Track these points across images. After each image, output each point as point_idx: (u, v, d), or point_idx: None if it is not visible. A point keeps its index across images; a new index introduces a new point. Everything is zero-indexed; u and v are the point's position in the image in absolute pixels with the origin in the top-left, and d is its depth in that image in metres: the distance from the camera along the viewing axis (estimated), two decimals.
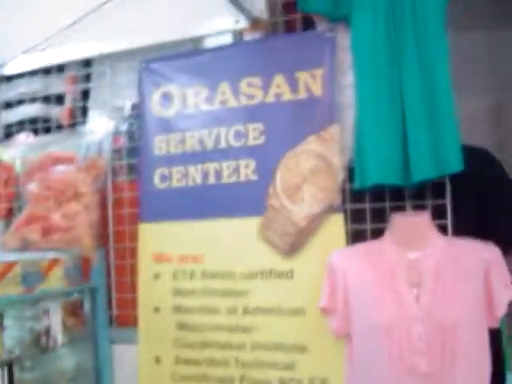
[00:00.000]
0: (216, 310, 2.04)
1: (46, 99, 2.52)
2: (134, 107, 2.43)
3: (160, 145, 2.18)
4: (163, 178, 2.16)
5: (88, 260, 2.13)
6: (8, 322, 1.84)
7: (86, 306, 2.17)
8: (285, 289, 1.95)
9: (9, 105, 2.59)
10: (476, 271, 1.61)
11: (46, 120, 2.51)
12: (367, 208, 1.91)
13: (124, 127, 2.44)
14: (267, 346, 1.96)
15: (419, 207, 1.83)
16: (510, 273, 1.63)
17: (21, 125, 2.54)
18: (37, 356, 1.93)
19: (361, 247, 1.80)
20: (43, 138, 2.45)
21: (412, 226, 1.71)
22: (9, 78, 2.58)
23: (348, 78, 1.95)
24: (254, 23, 2.08)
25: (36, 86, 2.53)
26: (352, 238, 1.91)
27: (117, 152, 2.36)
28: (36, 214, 2.12)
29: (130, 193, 2.28)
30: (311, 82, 1.98)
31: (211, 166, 2.09)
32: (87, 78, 2.49)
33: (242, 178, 2.04)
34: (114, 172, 2.33)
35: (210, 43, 2.21)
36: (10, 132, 2.58)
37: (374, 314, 1.64)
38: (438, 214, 1.80)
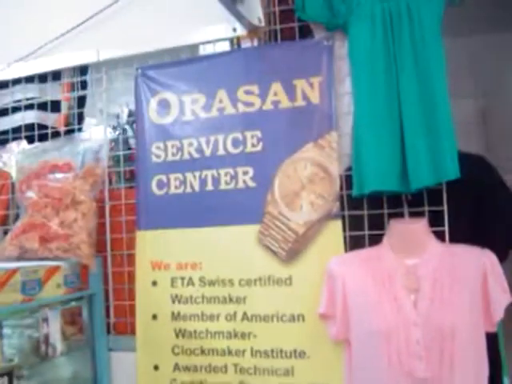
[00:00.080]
0: (215, 317, 2.04)
1: (42, 106, 2.50)
2: (131, 114, 2.44)
3: (157, 152, 2.18)
4: (161, 185, 2.16)
5: (86, 267, 2.12)
6: (7, 330, 1.83)
7: (85, 313, 2.16)
8: (284, 295, 1.95)
9: (4, 112, 2.57)
10: (473, 277, 1.63)
11: (42, 127, 2.49)
12: (365, 215, 1.92)
13: (121, 134, 2.44)
14: (266, 352, 1.96)
15: (417, 214, 1.85)
16: (507, 278, 1.65)
17: (16, 132, 2.52)
18: (36, 364, 1.92)
19: (359, 254, 1.81)
20: (39, 145, 2.44)
21: (410, 232, 1.73)
22: (4, 85, 2.57)
23: (345, 86, 1.96)
24: (252, 31, 2.09)
25: (32, 92, 2.51)
26: (350, 245, 1.92)
27: (114, 159, 2.37)
28: (34, 222, 2.10)
29: (127, 200, 2.28)
30: (309, 89, 1.99)
31: (209, 173, 2.09)
32: (83, 84, 2.47)
33: (240, 185, 2.04)
34: (111, 179, 2.33)
35: (207, 51, 2.22)
36: (5, 139, 2.56)
37: (372, 319, 1.65)
38: (435, 220, 1.82)
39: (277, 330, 1.96)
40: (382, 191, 1.79)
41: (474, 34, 3.34)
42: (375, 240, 1.83)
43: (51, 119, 2.50)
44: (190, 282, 2.08)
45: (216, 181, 2.08)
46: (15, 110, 2.55)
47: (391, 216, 1.84)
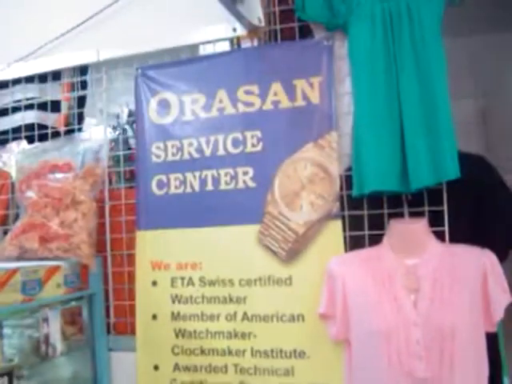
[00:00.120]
0: (215, 317, 2.04)
1: (42, 106, 2.50)
2: (131, 114, 2.44)
3: (157, 152, 2.18)
4: (161, 185, 2.16)
5: (86, 267, 2.12)
6: (7, 330, 1.84)
7: (85, 313, 2.16)
8: (284, 295, 1.96)
9: (4, 112, 2.57)
10: (473, 277, 1.63)
11: (42, 127, 2.49)
12: (365, 215, 1.92)
13: (121, 134, 2.45)
14: (266, 352, 1.97)
15: (417, 214, 1.85)
16: (507, 278, 1.65)
17: (16, 132, 2.52)
18: (36, 364, 1.92)
19: (359, 254, 1.82)
20: (39, 145, 2.44)
21: (410, 232, 1.73)
22: (4, 85, 2.57)
23: (345, 86, 1.97)
24: (252, 31, 2.09)
25: (32, 92, 2.51)
26: (350, 245, 1.92)
27: (114, 159, 2.37)
28: (34, 222, 2.10)
29: (127, 200, 2.28)
30: (309, 89, 1.99)
31: (209, 173, 2.09)
32: (83, 84, 2.47)
33: (240, 185, 2.05)
34: (111, 179, 2.34)
35: (207, 51, 2.22)
36: (5, 139, 2.56)
37: (372, 319, 1.65)
38: (435, 220, 1.82)
39: (277, 330, 1.96)
40: (382, 191, 1.79)
41: (474, 34, 3.35)
42: (375, 240, 1.83)
43: (51, 119, 2.50)
44: (190, 281, 2.08)
45: (216, 181, 2.08)
46: (15, 109, 2.55)
47: (391, 216, 1.85)
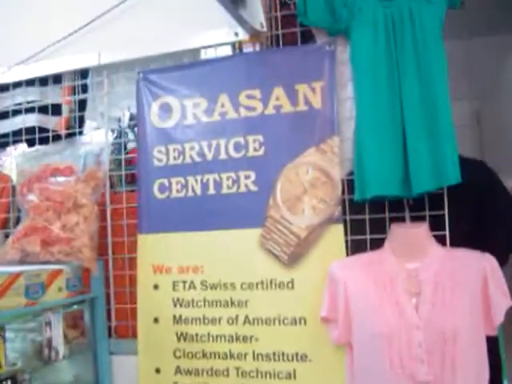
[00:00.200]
0: (216, 321, 2.04)
1: (43, 109, 2.50)
2: (133, 118, 2.44)
3: (159, 156, 2.18)
4: (162, 189, 2.16)
5: (88, 271, 2.12)
6: (10, 334, 1.83)
7: (86, 317, 2.16)
8: (285, 299, 1.96)
9: (5, 115, 2.56)
10: (474, 281, 1.64)
11: (43, 130, 2.49)
12: (367, 219, 1.93)
13: (121, 137, 2.45)
14: (268, 355, 1.97)
15: (418, 218, 1.86)
16: (507, 282, 1.67)
17: (17, 135, 2.52)
18: (38, 368, 1.92)
19: (361, 258, 1.82)
20: (40, 149, 2.44)
21: (411, 236, 1.74)
22: (5, 88, 2.57)
23: (347, 91, 1.97)
24: (254, 36, 2.09)
25: (32, 96, 2.51)
26: (352, 249, 1.93)
27: (114, 162, 2.38)
28: (35, 226, 2.10)
29: (128, 203, 2.28)
30: (311, 94, 2.00)
31: (211, 177, 2.10)
32: (84, 88, 2.48)
33: (242, 189, 2.05)
34: (112, 183, 2.34)
35: (208, 55, 2.22)
36: (5, 142, 2.56)
37: (374, 323, 1.66)
38: (436, 224, 1.83)
39: (279, 333, 1.96)
40: (383, 196, 1.80)
41: (468, 37, 3.37)
42: (377, 244, 1.84)
43: (52, 122, 2.50)
44: (192, 285, 2.09)
45: (218, 185, 2.08)
46: (16, 113, 2.55)
47: (392, 220, 1.86)
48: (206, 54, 2.23)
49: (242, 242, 2.04)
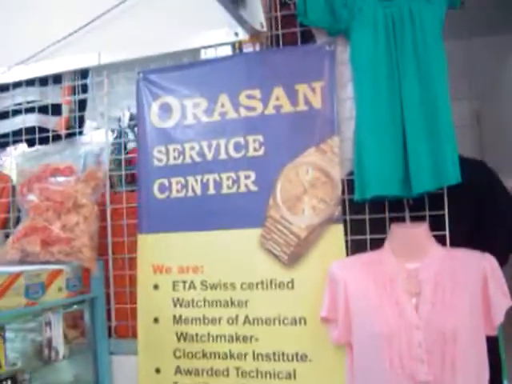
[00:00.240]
0: (216, 321, 2.04)
1: (43, 109, 2.50)
2: (132, 118, 2.44)
3: (159, 156, 2.18)
4: (162, 189, 2.16)
5: (88, 271, 2.12)
6: (10, 334, 1.83)
7: (86, 317, 2.16)
8: (285, 299, 1.96)
9: (5, 115, 2.56)
10: (474, 281, 1.64)
11: (43, 130, 2.49)
12: (367, 219, 1.93)
13: (121, 137, 2.45)
14: (268, 355, 1.97)
15: (418, 218, 1.86)
16: (507, 282, 1.67)
17: (17, 135, 2.52)
18: (39, 368, 1.92)
19: (360, 258, 1.83)
20: (40, 149, 2.44)
21: (411, 236, 1.75)
22: (5, 88, 2.57)
23: (347, 91, 1.97)
24: (254, 36, 2.09)
25: (32, 96, 2.51)
26: (352, 249, 1.93)
27: (114, 162, 2.38)
28: (35, 226, 2.10)
29: (128, 203, 2.28)
30: (311, 94, 2.00)
31: (211, 177, 2.10)
32: (84, 88, 2.48)
33: (242, 189, 2.05)
34: (112, 182, 2.34)
35: (208, 55, 2.22)
36: (5, 142, 2.56)
37: (374, 323, 1.66)
38: (436, 224, 1.83)
39: (279, 333, 1.96)
40: (383, 196, 1.81)
41: (468, 37, 3.37)
42: (377, 244, 1.84)
43: (52, 122, 2.50)
44: (192, 285, 2.09)
45: (218, 185, 2.09)
46: (16, 113, 2.55)
47: (392, 220, 1.86)
48: (205, 54, 2.23)
49: (242, 242, 2.04)
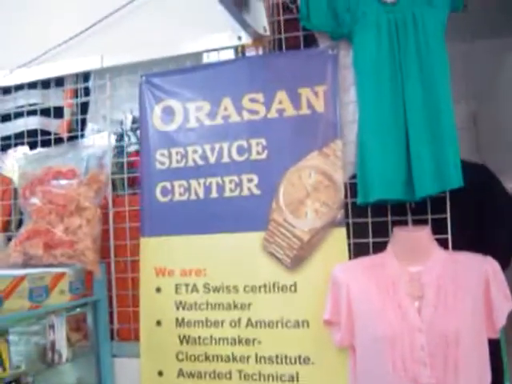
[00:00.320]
0: (219, 323, 2.05)
1: (45, 112, 2.51)
2: (135, 121, 2.45)
3: (162, 159, 2.18)
4: (165, 192, 2.17)
5: (91, 274, 2.12)
6: (14, 337, 1.84)
7: (89, 319, 2.17)
8: (288, 302, 1.97)
9: (7, 117, 2.56)
10: (476, 284, 1.65)
11: (45, 133, 2.49)
12: (369, 222, 1.94)
13: (123, 141, 2.45)
14: (271, 358, 1.98)
15: (420, 221, 1.87)
16: (509, 285, 1.68)
17: (19, 137, 2.52)
18: (42, 371, 1.92)
19: (363, 261, 1.83)
20: (42, 151, 2.44)
21: (413, 240, 1.75)
22: (7, 91, 2.57)
23: (350, 95, 1.98)
24: (257, 40, 2.10)
25: (34, 98, 2.52)
26: (354, 252, 1.94)
27: (117, 165, 2.38)
28: (38, 229, 2.10)
29: (130, 206, 2.29)
30: (313, 98, 2.01)
31: (214, 181, 2.10)
32: (86, 90, 2.48)
33: (245, 192, 2.06)
34: (114, 186, 2.35)
35: (211, 59, 2.23)
36: (7, 145, 2.56)
37: (377, 326, 1.66)
38: (438, 228, 1.84)
39: (281, 336, 1.97)
40: (386, 199, 1.81)
41: (464, 39, 3.38)
42: (379, 247, 1.85)
43: (54, 125, 2.51)
44: (195, 288, 2.09)
45: (221, 188, 2.09)
46: (18, 115, 2.55)
47: (395, 224, 1.87)
48: (208, 58, 2.23)
49: (244, 246, 2.04)
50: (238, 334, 2.02)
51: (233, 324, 2.03)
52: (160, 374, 2.12)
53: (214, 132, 2.12)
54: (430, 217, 1.87)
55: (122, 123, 2.52)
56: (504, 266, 1.74)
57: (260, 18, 2.04)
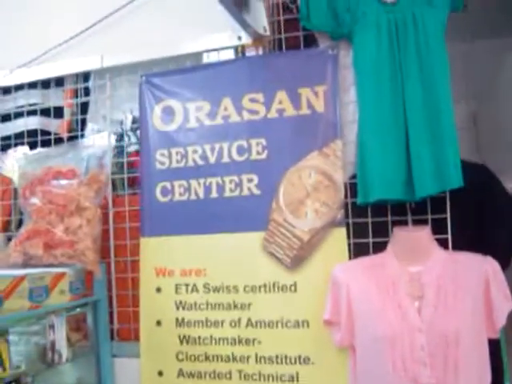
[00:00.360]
0: (219, 323, 2.05)
1: (45, 112, 2.51)
2: (135, 121, 2.45)
3: (162, 159, 2.18)
4: (165, 192, 2.17)
5: (91, 274, 2.12)
6: (14, 337, 1.84)
7: (89, 319, 2.17)
8: (288, 302, 1.97)
9: (7, 117, 2.56)
10: (476, 284, 1.65)
11: (45, 133, 2.49)
12: (369, 222, 1.94)
13: (123, 140, 2.45)
14: (271, 358, 1.98)
15: (420, 221, 1.87)
16: (509, 285, 1.68)
17: (19, 137, 2.52)
18: (42, 371, 1.92)
19: (363, 261, 1.83)
20: (42, 151, 2.44)
21: (413, 240, 1.75)
22: (7, 91, 2.57)
23: (350, 95, 1.99)
24: (257, 40, 2.10)
25: (34, 98, 2.52)
26: (354, 252, 1.94)
27: (117, 165, 2.38)
28: (38, 229, 2.10)
29: (130, 206, 2.29)
30: (313, 98, 2.01)
31: (214, 181, 2.10)
32: (86, 90, 2.48)
33: (245, 192, 2.06)
34: (114, 185, 2.35)
35: (211, 59, 2.23)
36: (7, 144, 2.56)
37: (377, 326, 1.66)
38: (438, 228, 1.84)
39: (281, 336, 1.97)
40: (386, 199, 1.81)
41: (464, 39, 3.38)
42: (379, 247, 1.85)
43: (54, 125, 2.51)
44: (195, 288, 2.09)
45: (221, 188, 2.09)
46: (18, 115, 2.55)
47: (395, 223, 1.87)
48: (208, 58, 2.23)
49: (244, 245, 2.04)
50: (238, 333, 2.02)
51: (233, 324, 2.03)
52: (160, 374, 2.12)
53: (214, 132, 2.12)
54: (429, 217, 1.87)
55: (122, 123, 2.52)
56: (504, 266, 1.74)
57: (260, 18, 2.04)
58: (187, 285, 2.10)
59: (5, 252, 2.14)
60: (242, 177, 2.07)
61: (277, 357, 1.97)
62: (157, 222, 2.17)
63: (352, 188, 1.94)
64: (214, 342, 2.05)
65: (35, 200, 2.19)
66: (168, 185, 2.17)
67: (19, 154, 2.57)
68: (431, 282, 1.66)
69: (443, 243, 1.80)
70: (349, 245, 1.94)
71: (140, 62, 2.29)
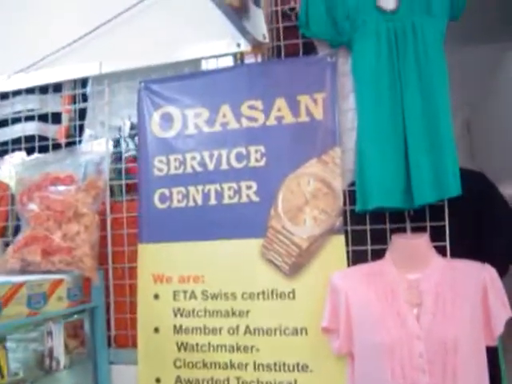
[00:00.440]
0: (217, 331, 2.04)
1: (43, 118, 2.50)
2: (133, 127, 2.44)
3: (160, 165, 2.18)
4: (163, 199, 2.16)
5: (88, 280, 2.11)
6: (12, 344, 1.83)
7: (86, 326, 2.16)
8: (287, 309, 1.97)
9: (4, 123, 2.56)
10: (474, 291, 1.65)
11: (43, 139, 2.49)
12: (368, 230, 1.94)
13: (121, 147, 2.45)
14: (269, 365, 1.97)
15: (419, 229, 1.88)
16: (507, 293, 1.69)
17: (16, 143, 2.51)
18: (40, 378, 1.91)
19: (362, 268, 1.83)
20: (40, 157, 2.44)
21: (412, 247, 1.76)
22: (5, 96, 2.56)
23: (349, 103, 1.99)
24: (256, 47, 2.10)
25: (32, 104, 2.51)
26: (353, 259, 1.94)
27: (115, 171, 2.38)
28: (36, 235, 2.09)
29: (128, 213, 2.29)
30: (312, 105, 2.01)
31: (212, 188, 2.10)
32: (84, 96, 2.48)
33: (244, 199, 2.06)
34: (112, 192, 2.34)
35: (209, 65, 2.23)
36: (4, 150, 2.55)
37: (376, 333, 1.66)
38: (437, 235, 1.85)
39: (279, 343, 1.96)
40: (385, 207, 1.82)
41: (459, 46, 3.40)
42: (378, 255, 1.85)
43: (52, 131, 2.50)
44: (193, 295, 2.09)
45: (219, 195, 2.09)
46: (15, 121, 2.54)
47: (393, 231, 1.87)
48: (207, 65, 2.24)
49: (243, 252, 2.04)
50: (236, 341, 2.02)
51: (231, 331, 2.03)
52: (158, 381, 2.11)
53: (212, 139, 2.12)
54: (428, 224, 1.88)
55: (120, 129, 2.52)
56: (502, 274, 1.74)
57: (259, 25, 2.04)
58: (185, 291, 2.10)
59: (2, 258, 2.13)
60: (240, 184, 2.07)
61: (275, 364, 1.97)
62: (155, 228, 2.17)
63: (351, 195, 1.95)
64: (211, 349, 2.05)
65: (33, 206, 2.18)
66: (166, 191, 2.16)
67: (16, 159, 2.56)
68: (430, 290, 1.67)
69: (441, 251, 1.81)
70: (347, 252, 1.94)
71: (138, 68, 2.29)
